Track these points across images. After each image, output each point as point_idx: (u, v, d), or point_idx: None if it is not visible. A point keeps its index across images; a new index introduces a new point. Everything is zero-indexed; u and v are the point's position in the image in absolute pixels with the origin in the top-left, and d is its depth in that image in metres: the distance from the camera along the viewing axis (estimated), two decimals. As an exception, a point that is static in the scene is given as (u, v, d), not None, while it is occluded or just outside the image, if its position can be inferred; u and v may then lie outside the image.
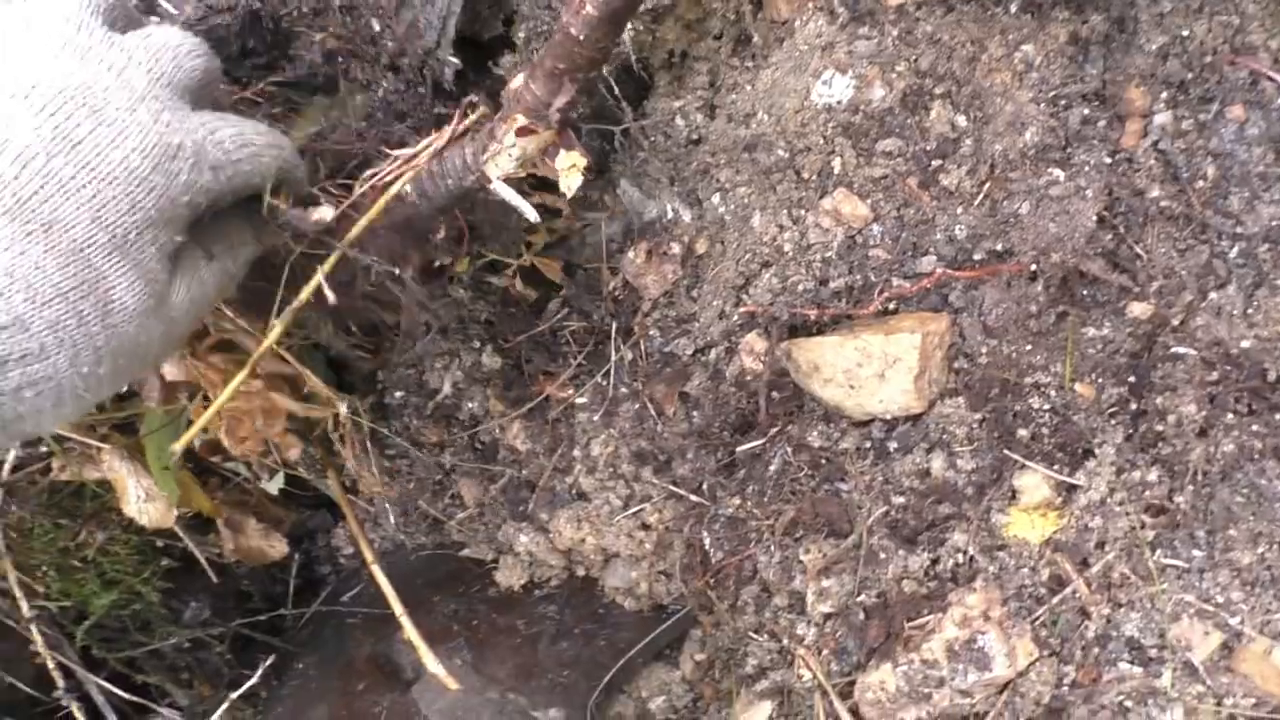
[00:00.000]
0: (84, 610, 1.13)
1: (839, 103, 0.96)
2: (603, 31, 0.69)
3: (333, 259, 0.74)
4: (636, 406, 1.10)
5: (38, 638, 1.02)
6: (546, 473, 1.14)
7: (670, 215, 1.08)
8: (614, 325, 1.12)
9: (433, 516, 1.28)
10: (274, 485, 1.27)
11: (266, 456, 1.00)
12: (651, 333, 1.09)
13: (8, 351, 0.50)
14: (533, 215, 0.79)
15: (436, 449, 1.24)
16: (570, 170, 0.76)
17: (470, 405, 1.21)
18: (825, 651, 0.89)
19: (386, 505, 1.30)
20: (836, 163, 0.96)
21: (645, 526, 1.07)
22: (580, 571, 1.17)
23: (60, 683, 1.03)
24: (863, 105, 0.94)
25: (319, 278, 0.73)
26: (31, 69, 0.54)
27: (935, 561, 0.87)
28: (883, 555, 0.88)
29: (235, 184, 0.63)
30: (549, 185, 0.87)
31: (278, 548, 1.16)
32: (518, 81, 0.75)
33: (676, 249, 1.08)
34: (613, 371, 1.11)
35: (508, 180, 0.79)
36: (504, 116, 0.76)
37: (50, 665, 1.03)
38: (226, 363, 0.88)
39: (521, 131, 0.75)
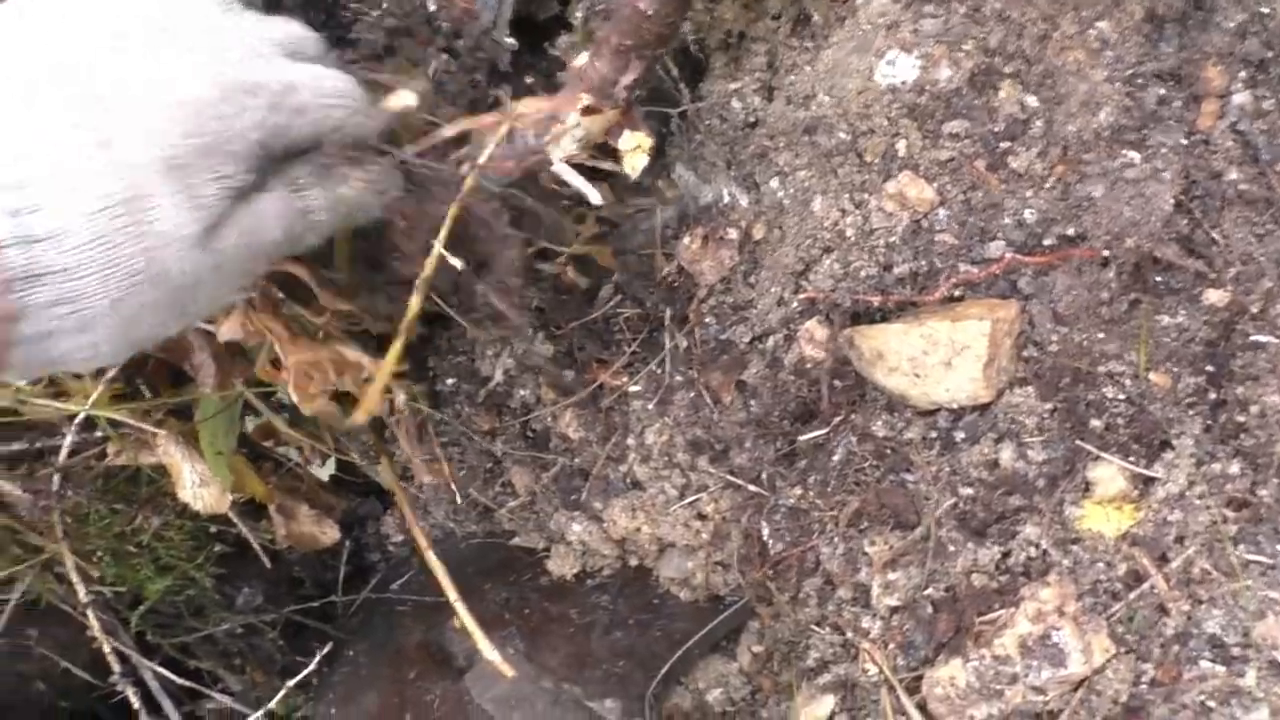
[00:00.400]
0: (139, 595, 1.13)
1: (904, 83, 0.94)
2: (672, 6, 0.67)
3: (468, 185, 0.72)
4: (692, 395, 1.08)
5: (94, 623, 1.02)
6: (600, 461, 1.12)
7: (727, 200, 1.06)
8: (668, 312, 1.10)
9: (483, 504, 1.28)
10: (325, 471, 1.27)
11: (335, 417, 0.96)
12: (707, 320, 1.08)
13: (48, 264, 0.48)
14: (596, 198, 0.78)
15: (488, 437, 1.23)
16: (635, 151, 0.74)
17: (522, 393, 1.20)
18: (891, 645, 0.87)
19: (438, 492, 1.29)
20: (901, 145, 0.93)
21: (701, 516, 1.05)
22: (633, 561, 1.15)
23: (116, 668, 1.03)
24: (928, 85, 0.92)
25: (443, 236, 0.70)
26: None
27: (1006, 555, 0.84)
28: (951, 548, 0.86)
29: (319, 130, 0.61)
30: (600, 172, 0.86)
31: (329, 534, 1.15)
32: (581, 59, 0.73)
33: (734, 234, 1.06)
34: (667, 359, 1.09)
35: (570, 162, 0.77)
36: (567, 96, 0.75)
37: (106, 650, 1.03)
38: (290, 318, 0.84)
39: (586, 111, 0.73)
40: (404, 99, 0.70)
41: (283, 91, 0.58)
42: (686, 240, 1.08)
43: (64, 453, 0.95)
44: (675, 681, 1.05)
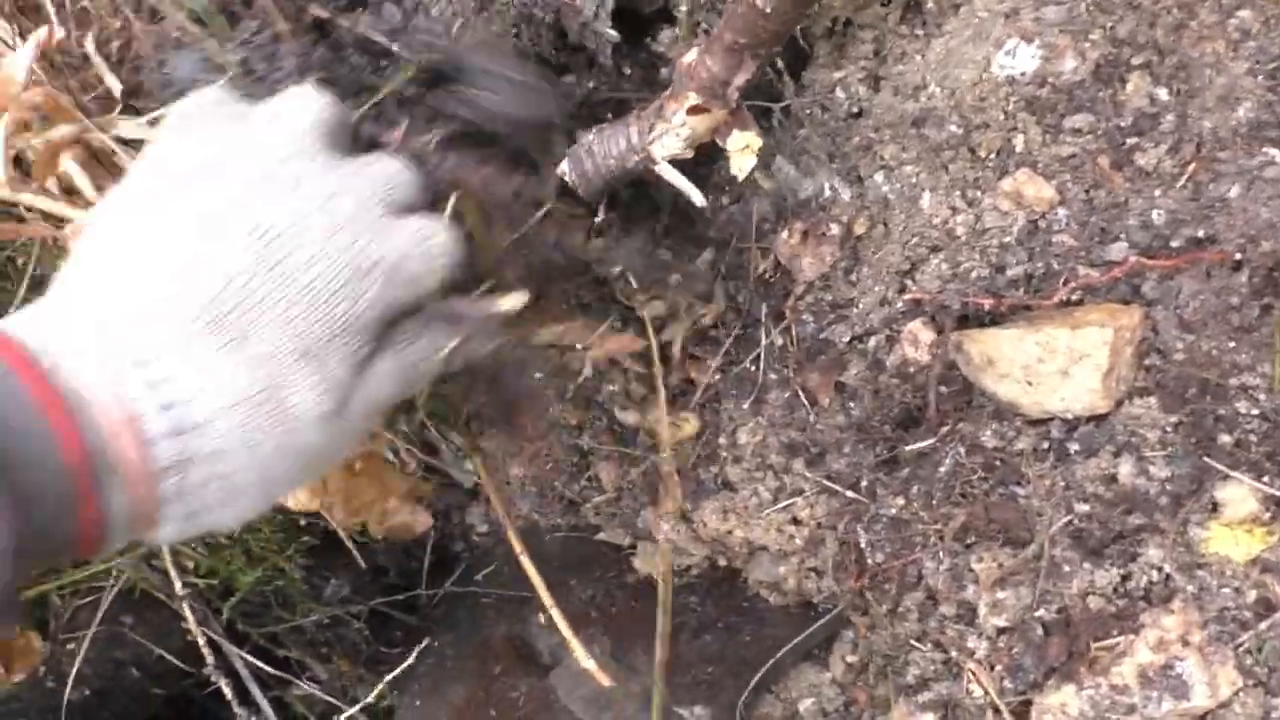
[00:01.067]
0: (230, 586, 1.14)
1: (1023, 74, 0.89)
2: (791, 4, 0.64)
3: None
4: (787, 395, 1.05)
5: (188, 613, 1.02)
6: (690, 460, 1.10)
7: (828, 194, 1.02)
8: (764, 309, 1.07)
9: (569, 499, 1.26)
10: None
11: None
12: (804, 317, 1.04)
13: (197, 449, 0.52)
14: (699, 199, 0.75)
15: (575, 431, 1.21)
16: (744, 151, 0.71)
17: (611, 388, 1.17)
18: (998, 667, 0.83)
19: (524, 485, 1.28)
20: (1019, 140, 0.89)
21: (796, 521, 1.02)
22: (722, 562, 1.13)
23: (210, 658, 1.04)
24: (1050, 77, 0.87)
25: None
26: (247, 191, 0.58)
27: (1126, 578, 0.80)
28: (1066, 568, 0.81)
29: (428, 294, 0.64)
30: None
31: (423, 521, 1.14)
32: (691, 56, 0.70)
33: (836, 230, 1.02)
34: (762, 357, 1.06)
35: (673, 162, 0.74)
36: (674, 94, 0.71)
37: (199, 640, 1.03)
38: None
39: (693, 110, 0.70)
40: (514, 301, 0.70)
41: (397, 264, 0.60)
42: (785, 235, 1.04)
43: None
44: (765, 689, 1.03)
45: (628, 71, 0.96)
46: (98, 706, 1.13)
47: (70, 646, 1.09)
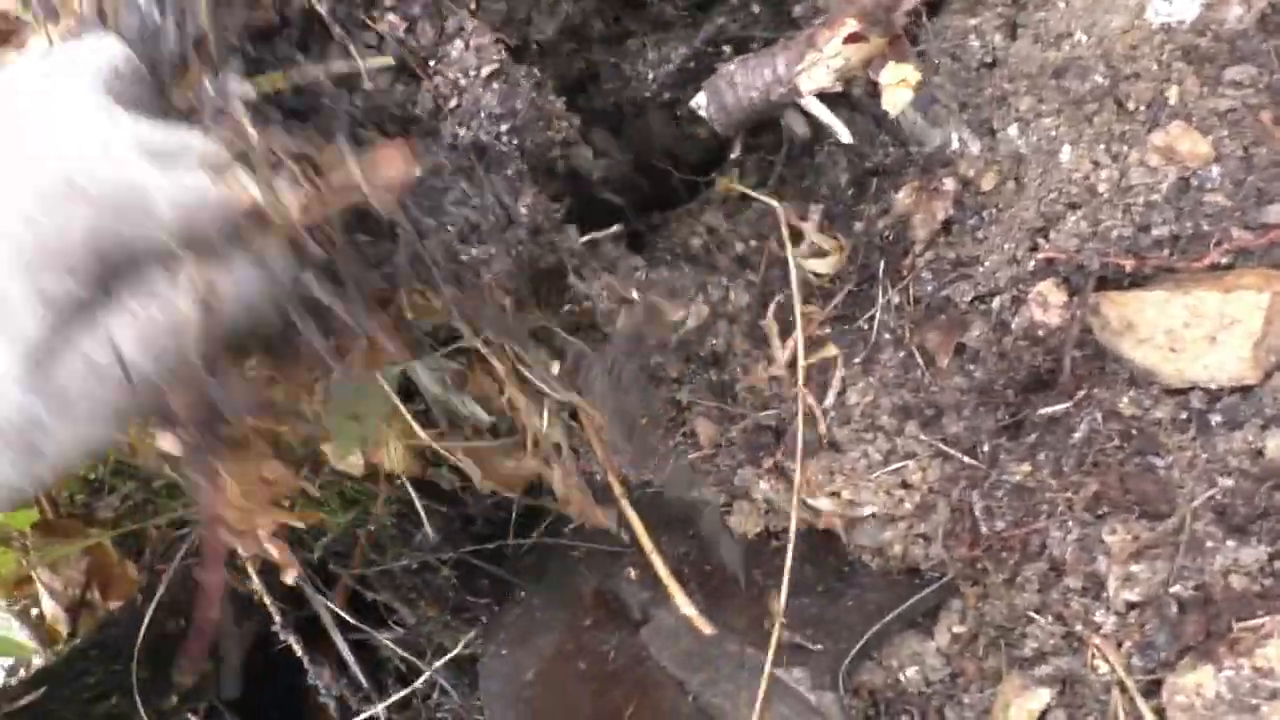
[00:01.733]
0: (322, 529, 1.13)
1: (1181, 22, 0.84)
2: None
3: None
4: (902, 355, 1.01)
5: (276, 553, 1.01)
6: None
7: (955, 146, 0.98)
8: (881, 264, 1.03)
9: (663, 454, 1.23)
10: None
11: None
12: (924, 275, 1.00)
13: None
14: (846, 136, 0.71)
15: (674, 384, 1.18)
16: (899, 85, 0.67)
17: (713, 341, 1.14)
18: (1127, 644, 0.80)
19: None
20: (1173, 92, 0.84)
21: (906, 485, 0.99)
22: (821, 524, 1.10)
23: (276, 616, 1.04)
24: (1212, 26, 0.82)
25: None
26: None
27: (1274, 557, 0.76)
28: (1209, 544, 0.77)
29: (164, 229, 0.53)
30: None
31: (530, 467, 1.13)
32: (852, -22, 0.66)
33: (950, 185, 0.98)
34: (878, 315, 1.02)
35: (821, 95, 0.70)
36: (829, 21, 0.68)
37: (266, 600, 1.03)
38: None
39: (849, 39, 0.66)
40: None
41: (125, 194, 0.50)
42: (904, 190, 1.01)
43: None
44: (866, 656, 1.00)
45: (756, 9, 0.92)
46: (188, 635, 1.14)
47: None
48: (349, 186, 0.56)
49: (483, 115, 0.61)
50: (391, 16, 0.61)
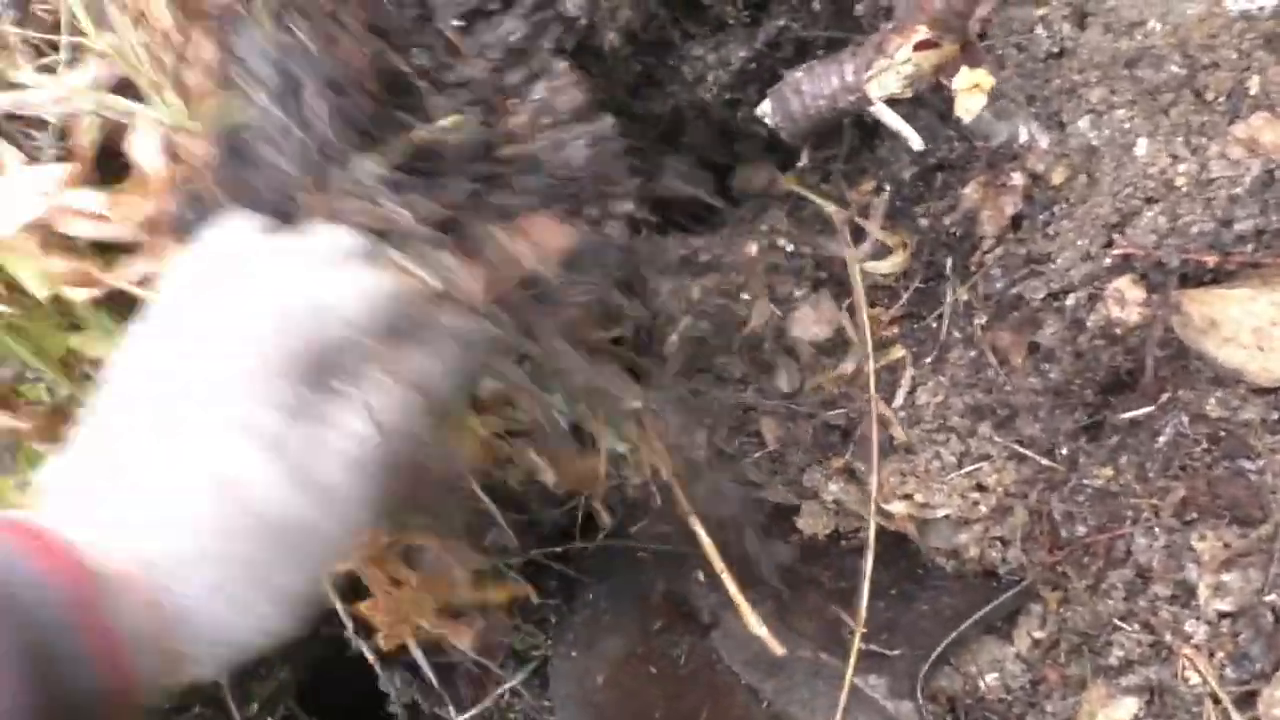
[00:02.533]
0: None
1: (1261, 9, 0.81)
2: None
3: None
4: (973, 354, 0.99)
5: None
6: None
7: (1024, 140, 0.95)
8: (949, 262, 1.01)
9: (728, 454, 1.22)
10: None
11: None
12: (993, 272, 0.98)
13: (190, 585, 0.51)
14: (918, 142, 0.70)
15: (739, 383, 1.17)
16: (972, 91, 0.65)
17: (779, 341, 1.13)
18: (1219, 654, 0.78)
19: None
20: (1254, 82, 0.81)
21: (981, 488, 0.97)
22: (893, 526, 1.08)
23: (348, 622, 1.04)
24: (1297, 11, 0.79)
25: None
26: None
27: (1375, 565, 0.73)
28: (1305, 552, 0.75)
29: (360, 326, 0.58)
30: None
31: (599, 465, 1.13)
32: (923, -15, 0.64)
33: (1018, 179, 0.96)
34: (947, 313, 1.00)
35: (890, 102, 0.69)
36: (900, 27, 0.66)
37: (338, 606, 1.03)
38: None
39: (921, 45, 0.64)
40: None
41: (314, 303, 0.55)
42: (971, 185, 0.98)
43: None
44: (944, 661, 0.98)
45: (817, 7, 0.90)
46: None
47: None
48: (514, 260, 0.60)
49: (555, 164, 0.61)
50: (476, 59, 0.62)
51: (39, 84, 0.76)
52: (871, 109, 0.68)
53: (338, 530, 0.55)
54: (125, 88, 0.80)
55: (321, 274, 0.56)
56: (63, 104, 0.76)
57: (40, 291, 0.81)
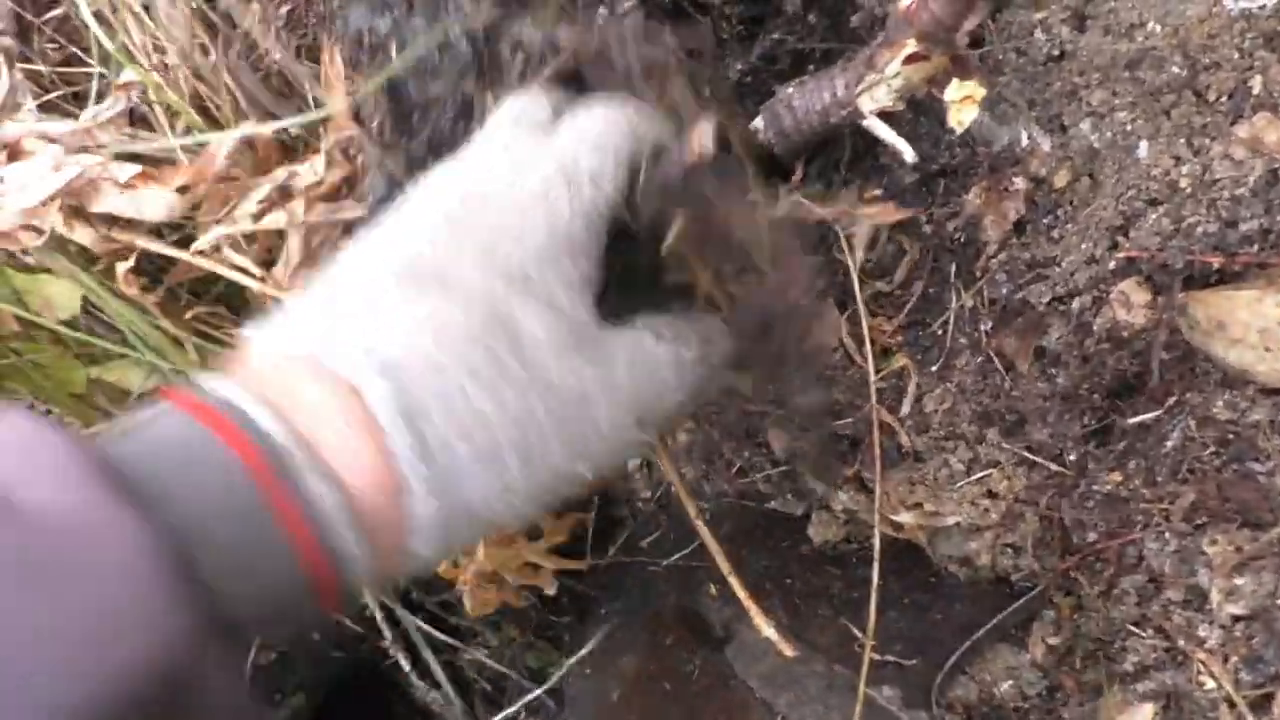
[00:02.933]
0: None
1: (1262, 8, 0.80)
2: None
3: None
4: (979, 360, 0.98)
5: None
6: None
7: (1026, 143, 0.95)
8: (953, 267, 1.00)
9: (738, 465, 1.22)
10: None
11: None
12: (998, 277, 0.97)
13: (429, 388, 0.47)
14: (910, 154, 0.69)
15: (743, 397, 1.17)
16: (964, 102, 0.65)
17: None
18: (1234, 658, 0.77)
19: (690, 450, 1.24)
20: (1256, 81, 0.80)
21: (991, 495, 0.96)
22: (904, 535, 1.08)
23: (388, 634, 1.04)
24: (1296, 9, 0.78)
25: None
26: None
27: (1389, 565, 0.72)
28: (1317, 554, 0.74)
29: (620, 184, 0.56)
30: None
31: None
32: (908, 0, 0.64)
33: (1020, 184, 0.95)
34: (952, 319, 1.00)
35: (882, 115, 0.69)
36: (890, 41, 0.66)
37: (377, 615, 1.04)
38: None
39: (910, 59, 0.64)
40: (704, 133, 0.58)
41: (570, 174, 0.54)
42: (973, 191, 0.98)
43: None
44: (959, 670, 0.98)
45: (812, 20, 0.90)
46: (282, 670, 1.16)
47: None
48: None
49: None
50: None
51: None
52: (864, 122, 0.67)
53: (609, 423, 0.52)
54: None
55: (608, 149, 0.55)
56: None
57: (71, 305, 0.81)
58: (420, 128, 0.65)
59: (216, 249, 0.78)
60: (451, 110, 0.65)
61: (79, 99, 0.79)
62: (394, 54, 0.65)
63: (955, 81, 0.66)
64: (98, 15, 0.71)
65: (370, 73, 0.67)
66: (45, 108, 0.78)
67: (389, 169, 0.65)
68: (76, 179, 0.75)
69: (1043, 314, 0.94)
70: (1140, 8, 0.87)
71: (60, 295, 0.79)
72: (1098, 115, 0.89)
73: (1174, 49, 0.84)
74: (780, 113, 0.71)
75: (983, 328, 0.98)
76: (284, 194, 0.79)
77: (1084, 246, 0.90)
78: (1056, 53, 0.93)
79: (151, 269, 0.86)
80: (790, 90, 0.75)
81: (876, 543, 0.99)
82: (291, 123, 0.75)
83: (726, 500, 1.26)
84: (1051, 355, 0.92)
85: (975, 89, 0.66)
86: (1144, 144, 0.86)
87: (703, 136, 0.55)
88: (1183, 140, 0.83)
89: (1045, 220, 0.94)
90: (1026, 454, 0.93)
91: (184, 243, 0.79)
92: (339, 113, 0.74)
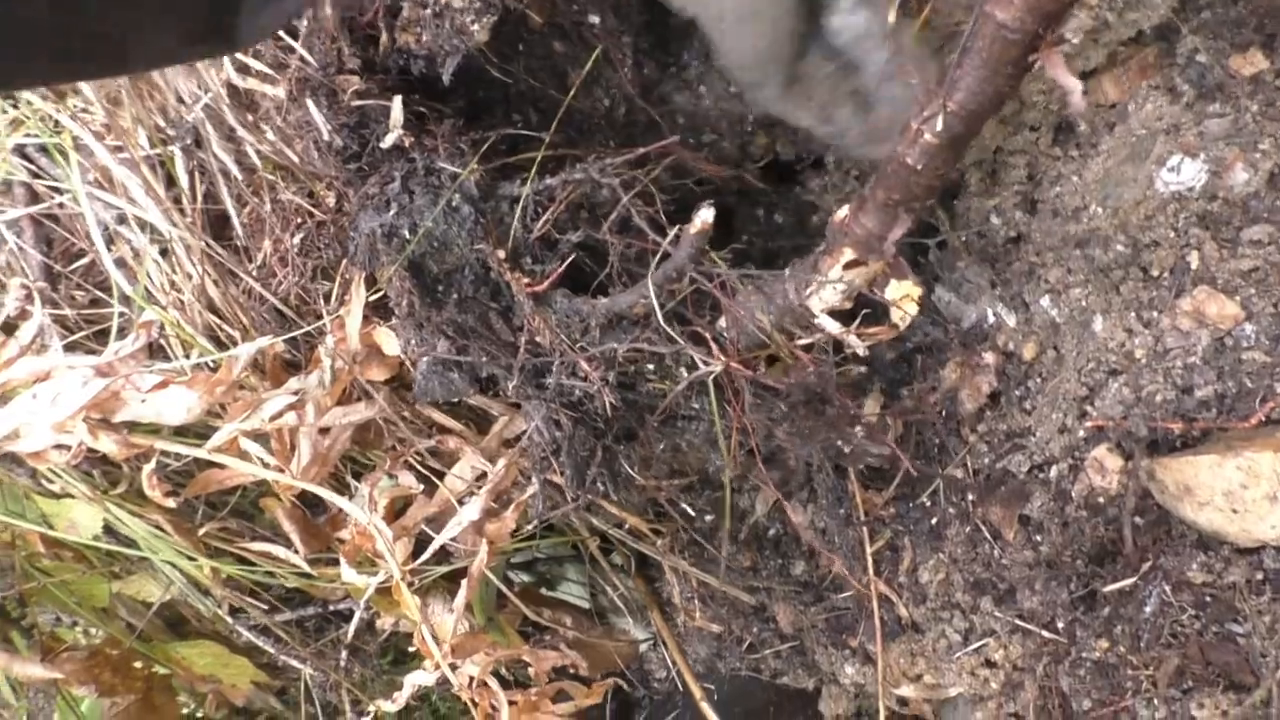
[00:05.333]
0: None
1: (1190, 190, 0.86)
2: (942, 159, 0.63)
3: None
4: (968, 529, 1.01)
5: None
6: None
7: (992, 320, 1.00)
8: (937, 442, 1.04)
9: (749, 642, 1.24)
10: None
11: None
12: (979, 448, 1.01)
13: None
14: (861, 348, 0.74)
15: (749, 573, 1.19)
16: (904, 300, 0.71)
17: (782, 529, 1.16)
18: (1233, 824, 0.77)
19: (702, 630, 1.26)
20: (1193, 257, 0.85)
21: (990, 664, 0.97)
22: (908, 712, 1.08)
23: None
24: (1221, 191, 0.84)
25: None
26: None
27: (1372, 726, 0.73)
28: (1300, 715, 0.75)
29: None
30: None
31: (630, 650, 1.14)
32: (842, 214, 0.71)
33: (990, 358, 1.00)
34: (941, 491, 1.03)
35: (831, 314, 0.74)
36: (829, 250, 0.72)
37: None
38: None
39: (849, 265, 0.70)
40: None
41: None
42: (948, 366, 1.02)
43: (351, 629, 0.97)
44: (977, 842, 0.97)
45: (779, 220, 0.97)
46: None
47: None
48: None
49: None
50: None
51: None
52: (816, 321, 0.73)
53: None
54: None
55: None
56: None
57: (94, 526, 0.86)
58: (446, 297, 0.72)
59: (233, 443, 0.83)
60: (471, 274, 0.72)
61: (101, 337, 0.87)
62: (408, 235, 0.73)
63: (893, 282, 0.71)
64: (119, 261, 0.79)
65: (390, 259, 0.74)
66: (70, 348, 0.85)
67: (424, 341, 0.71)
68: (102, 392, 0.82)
69: (1024, 482, 0.97)
70: (1082, 191, 0.93)
71: (84, 517, 0.84)
72: (1055, 292, 0.95)
73: (1116, 229, 0.90)
74: (740, 317, 0.76)
75: (969, 498, 1.01)
76: (297, 404, 0.85)
77: (1055, 416, 0.94)
78: (1013, 234, 0.99)
79: (172, 480, 0.91)
80: (748, 290, 0.80)
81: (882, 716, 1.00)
82: (304, 331, 0.82)
83: (741, 675, 1.27)
84: (1035, 523, 0.95)
85: (911, 288, 0.71)
86: (1099, 318, 0.90)
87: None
88: (1133, 314, 0.88)
89: (1017, 392, 0.98)
90: (1019, 622, 0.95)
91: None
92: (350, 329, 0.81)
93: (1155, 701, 0.81)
